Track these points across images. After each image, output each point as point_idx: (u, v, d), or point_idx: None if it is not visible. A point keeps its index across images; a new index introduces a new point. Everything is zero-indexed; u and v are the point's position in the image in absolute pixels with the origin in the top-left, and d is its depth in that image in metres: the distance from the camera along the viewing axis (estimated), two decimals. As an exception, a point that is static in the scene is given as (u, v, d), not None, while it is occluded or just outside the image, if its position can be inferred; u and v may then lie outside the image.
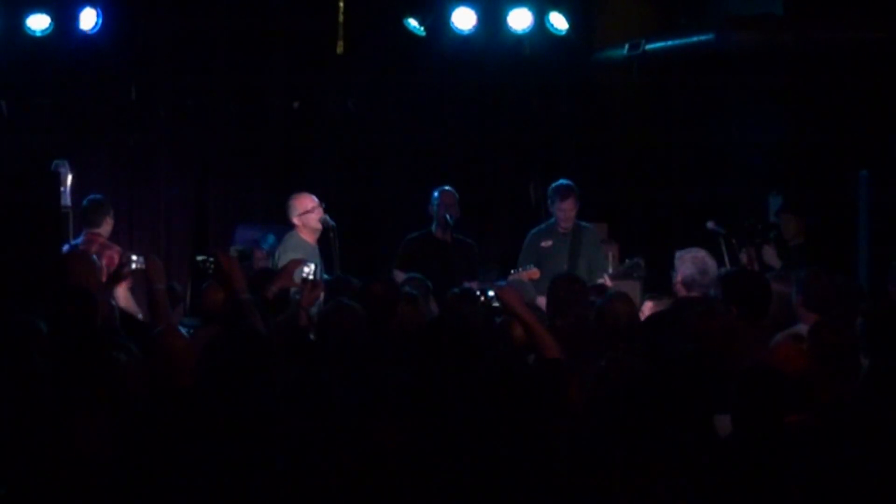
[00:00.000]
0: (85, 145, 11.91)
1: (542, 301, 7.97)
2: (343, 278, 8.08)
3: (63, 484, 4.75)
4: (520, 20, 11.67)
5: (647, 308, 8.23)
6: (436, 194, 10.13)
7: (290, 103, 12.29)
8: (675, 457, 4.81)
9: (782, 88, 11.73)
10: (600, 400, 5.32)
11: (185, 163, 12.51)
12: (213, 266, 7.44)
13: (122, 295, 8.23)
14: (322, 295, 7.49)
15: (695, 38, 11.74)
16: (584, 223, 10.07)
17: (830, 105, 11.42)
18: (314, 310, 7.20)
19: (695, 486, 4.78)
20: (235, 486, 4.74)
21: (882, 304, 7.15)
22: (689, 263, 7.56)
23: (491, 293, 6.84)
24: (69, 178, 10.09)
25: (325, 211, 9.62)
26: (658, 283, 9.33)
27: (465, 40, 11.71)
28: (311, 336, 6.78)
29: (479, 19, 11.63)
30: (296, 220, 9.59)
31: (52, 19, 10.82)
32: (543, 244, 9.98)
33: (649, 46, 11.99)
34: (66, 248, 8.97)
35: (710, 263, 7.65)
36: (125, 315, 7.40)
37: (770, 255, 10.26)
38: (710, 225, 10.51)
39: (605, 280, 9.23)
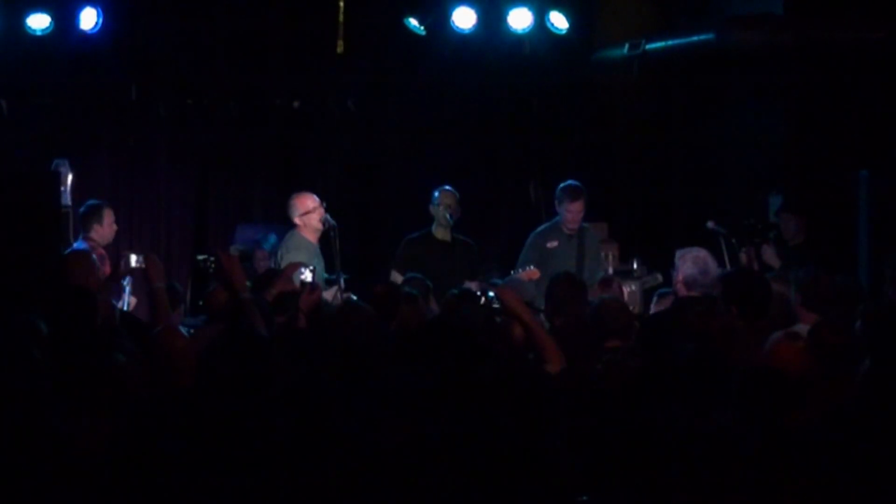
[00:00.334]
0: (85, 145, 11.92)
1: None
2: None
3: (63, 484, 4.75)
4: (520, 20, 11.67)
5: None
6: (436, 194, 10.12)
7: (290, 103, 12.29)
8: (674, 456, 4.82)
9: (782, 88, 11.73)
10: (600, 399, 5.32)
11: (185, 163, 12.51)
12: (213, 265, 7.45)
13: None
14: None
15: (695, 38, 11.74)
16: (584, 223, 10.05)
17: (830, 105, 11.42)
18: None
19: (695, 485, 4.78)
20: (235, 487, 4.74)
21: (882, 305, 7.15)
22: (691, 263, 7.56)
23: (491, 294, 6.84)
24: (69, 177, 10.09)
25: (326, 210, 9.63)
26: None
27: (465, 40, 11.71)
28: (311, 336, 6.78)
29: (480, 19, 11.63)
30: (297, 220, 9.60)
31: (53, 19, 10.82)
32: (549, 244, 9.91)
33: (649, 46, 11.99)
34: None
35: (711, 263, 7.65)
36: (126, 315, 7.41)
37: (769, 254, 10.26)
38: (710, 225, 10.51)
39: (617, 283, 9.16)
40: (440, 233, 10.11)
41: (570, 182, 9.94)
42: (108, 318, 6.75)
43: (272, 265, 9.56)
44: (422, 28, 11.59)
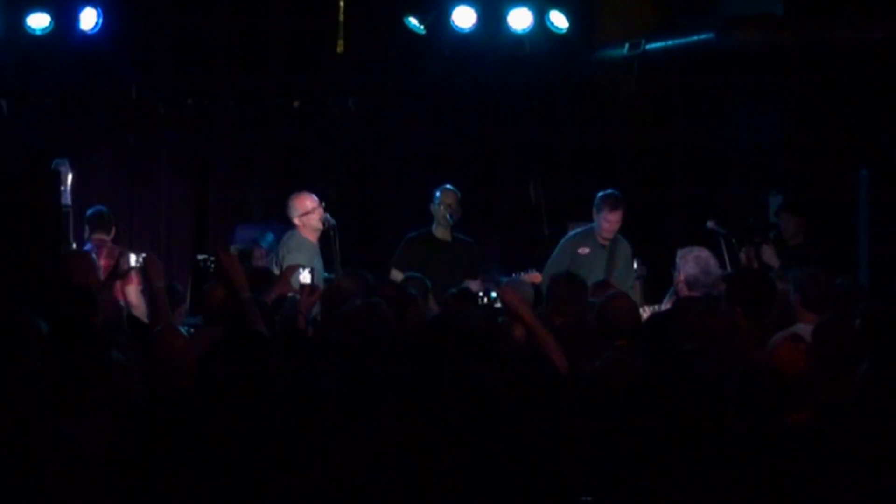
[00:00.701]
0: (85, 145, 11.92)
1: None
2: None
3: (62, 484, 4.75)
4: (520, 19, 11.66)
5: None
6: (437, 193, 10.10)
7: (290, 103, 12.29)
8: (673, 456, 4.82)
9: (782, 88, 11.73)
10: (597, 399, 5.32)
11: (185, 163, 12.51)
12: (213, 265, 7.45)
13: (134, 295, 8.27)
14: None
15: (695, 38, 11.74)
16: (620, 236, 9.83)
17: (830, 105, 11.41)
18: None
19: (695, 485, 4.78)
20: (235, 487, 4.74)
21: (882, 304, 7.14)
22: (692, 263, 7.55)
23: (493, 294, 6.83)
24: (69, 177, 10.11)
25: (325, 210, 9.63)
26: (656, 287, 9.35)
27: (465, 39, 11.71)
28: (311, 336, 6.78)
29: (480, 18, 11.62)
30: (297, 221, 9.59)
31: (53, 18, 10.81)
32: (581, 251, 9.73)
33: (649, 46, 11.99)
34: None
35: (713, 263, 7.64)
36: (129, 315, 7.41)
37: (769, 254, 10.26)
38: (710, 225, 10.50)
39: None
40: (440, 232, 10.10)
41: (610, 191, 9.75)
42: (113, 316, 6.75)
43: (272, 264, 9.56)
44: (422, 28, 11.59)
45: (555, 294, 7.25)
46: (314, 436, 4.82)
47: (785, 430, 5.05)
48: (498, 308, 6.76)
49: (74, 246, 9.65)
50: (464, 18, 11.59)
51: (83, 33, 10.94)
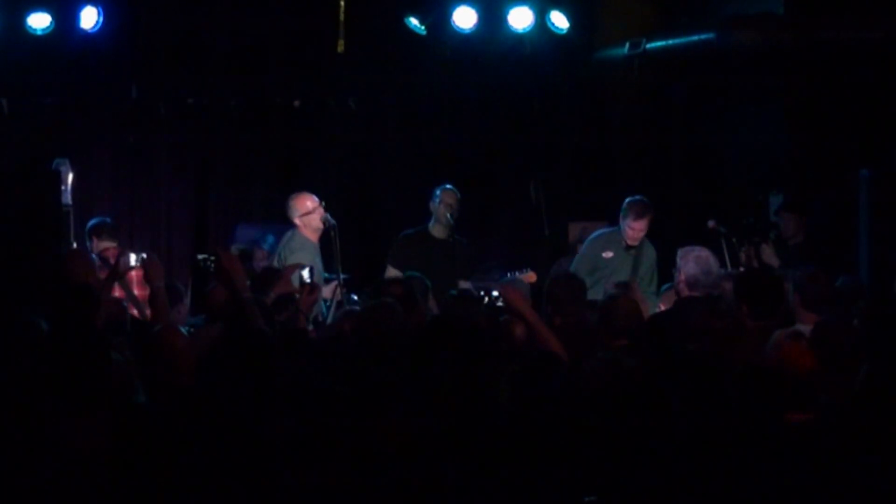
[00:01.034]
0: (86, 144, 11.93)
1: None
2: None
3: (62, 484, 4.75)
4: (520, 19, 11.66)
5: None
6: (438, 192, 10.09)
7: (290, 103, 12.29)
8: (676, 456, 4.81)
9: (782, 88, 11.73)
10: (593, 398, 5.31)
11: (185, 163, 12.51)
12: (214, 265, 7.44)
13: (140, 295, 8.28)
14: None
15: (695, 38, 11.74)
16: (647, 240, 9.80)
17: (830, 105, 11.42)
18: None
19: (694, 485, 4.78)
20: (235, 486, 4.74)
21: (882, 304, 7.16)
22: (693, 263, 7.54)
23: (495, 293, 6.83)
24: (70, 176, 10.10)
25: (325, 209, 9.63)
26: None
27: (465, 39, 11.71)
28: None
29: (480, 18, 11.62)
30: (297, 221, 9.59)
31: (53, 18, 10.81)
32: (605, 254, 9.69)
33: (650, 45, 11.99)
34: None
35: (714, 263, 7.64)
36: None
37: (768, 254, 10.27)
38: (710, 224, 10.50)
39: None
40: (437, 230, 10.08)
41: (638, 198, 9.70)
42: (116, 315, 6.75)
43: (274, 265, 9.55)
44: (422, 28, 11.59)
45: (555, 294, 7.25)
46: (315, 435, 4.82)
47: (785, 430, 5.05)
48: (499, 307, 6.75)
49: (75, 245, 9.66)
50: (464, 18, 11.60)
51: (83, 33, 10.94)
